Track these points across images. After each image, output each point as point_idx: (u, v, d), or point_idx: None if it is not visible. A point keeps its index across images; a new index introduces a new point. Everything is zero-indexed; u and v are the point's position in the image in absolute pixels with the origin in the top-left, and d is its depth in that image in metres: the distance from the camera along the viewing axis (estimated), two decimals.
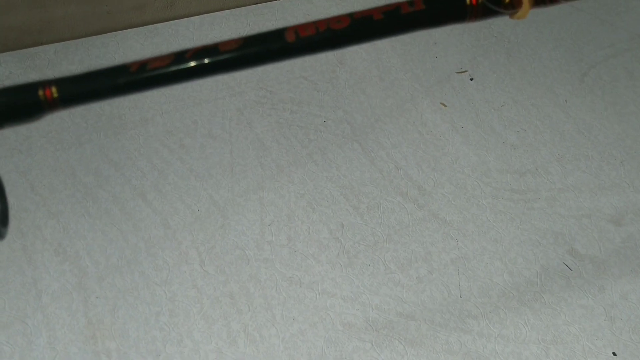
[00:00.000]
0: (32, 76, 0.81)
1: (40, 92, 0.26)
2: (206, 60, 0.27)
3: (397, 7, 0.27)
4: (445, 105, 0.78)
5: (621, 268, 0.63)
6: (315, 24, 0.26)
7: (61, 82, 0.27)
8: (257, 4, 0.93)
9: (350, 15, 0.26)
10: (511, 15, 0.27)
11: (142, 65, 0.26)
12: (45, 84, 0.27)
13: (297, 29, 0.26)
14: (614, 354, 0.57)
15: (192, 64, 0.27)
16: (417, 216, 0.67)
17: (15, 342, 0.57)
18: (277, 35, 0.26)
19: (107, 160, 0.72)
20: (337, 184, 0.70)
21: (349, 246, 0.64)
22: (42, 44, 0.87)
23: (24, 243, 0.64)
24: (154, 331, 0.58)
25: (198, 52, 0.26)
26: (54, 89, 0.27)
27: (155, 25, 0.89)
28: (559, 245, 0.65)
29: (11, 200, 0.68)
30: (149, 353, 0.57)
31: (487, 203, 0.68)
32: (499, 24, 0.89)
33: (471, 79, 0.82)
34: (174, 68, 0.27)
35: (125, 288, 0.61)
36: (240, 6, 0.92)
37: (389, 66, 0.83)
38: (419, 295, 0.61)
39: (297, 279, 0.62)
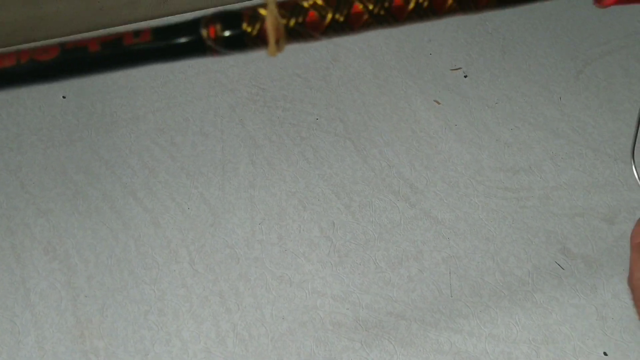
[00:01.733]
0: None
1: None
2: None
3: (118, 37, 0.23)
4: (439, 103, 0.78)
5: (613, 267, 0.62)
6: (18, 53, 0.22)
7: None
8: (251, 0, 0.92)
9: (61, 45, 0.23)
10: (267, 52, 0.24)
11: None
12: None
13: None
14: (605, 353, 0.57)
15: None
16: (408, 215, 0.67)
17: (3, 341, 0.57)
18: None
19: (97, 158, 0.72)
20: (329, 182, 0.69)
21: (340, 245, 0.64)
22: (34, 40, 0.86)
23: (13, 241, 0.64)
24: (143, 330, 0.58)
25: None
26: None
27: (147, 21, 0.89)
28: (552, 244, 0.64)
29: (0, 198, 0.67)
30: (137, 352, 0.56)
31: (480, 201, 0.68)
32: (494, 20, 0.89)
33: (465, 76, 0.81)
34: None
35: (115, 287, 0.61)
36: (234, 3, 0.91)
37: (383, 63, 0.83)
38: (410, 295, 0.60)
39: (287, 278, 0.61)
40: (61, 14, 0.85)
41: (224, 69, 0.82)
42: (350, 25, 0.23)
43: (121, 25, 0.89)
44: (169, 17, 0.90)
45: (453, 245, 0.64)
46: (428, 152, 0.72)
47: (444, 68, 0.82)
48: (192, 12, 0.90)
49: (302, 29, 0.23)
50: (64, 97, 0.78)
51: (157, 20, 0.89)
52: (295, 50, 0.84)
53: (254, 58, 0.83)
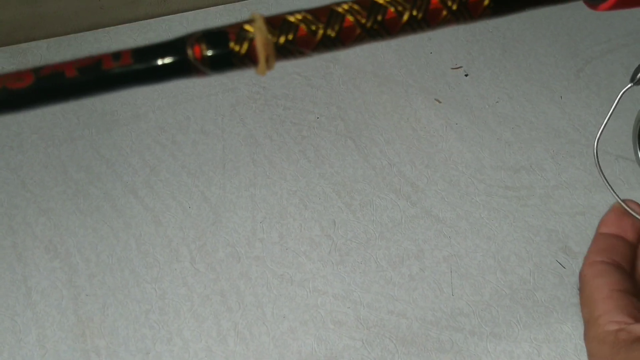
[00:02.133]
0: None
1: None
2: None
3: (97, 61, 0.22)
4: (439, 102, 0.78)
5: None
6: None
7: None
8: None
9: (35, 71, 0.21)
10: (256, 71, 0.22)
11: None
12: None
13: None
14: None
15: None
16: (409, 213, 0.67)
17: (5, 340, 0.57)
18: None
19: (98, 156, 0.71)
20: (330, 181, 0.69)
21: (341, 244, 0.64)
22: (34, 39, 0.86)
23: (14, 240, 0.64)
24: (144, 329, 0.58)
25: None
26: None
27: (148, 20, 0.89)
28: (553, 242, 0.64)
29: (2, 197, 0.67)
30: (139, 351, 0.56)
31: (481, 200, 0.68)
32: (494, 19, 0.89)
33: (466, 75, 0.81)
34: None
35: (116, 286, 0.61)
36: (234, 1, 0.91)
37: (383, 62, 0.83)
38: (411, 293, 0.60)
39: (288, 276, 0.61)
40: (61, 12, 0.85)
41: None
42: (342, 40, 0.22)
43: (122, 24, 0.88)
44: (170, 17, 0.90)
45: (454, 244, 0.64)
46: (429, 150, 0.72)
47: (444, 67, 0.82)
48: (191, 12, 0.90)
49: (292, 46, 0.22)
50: None
51: (157, 19, 0.89)
52: None
53: None
